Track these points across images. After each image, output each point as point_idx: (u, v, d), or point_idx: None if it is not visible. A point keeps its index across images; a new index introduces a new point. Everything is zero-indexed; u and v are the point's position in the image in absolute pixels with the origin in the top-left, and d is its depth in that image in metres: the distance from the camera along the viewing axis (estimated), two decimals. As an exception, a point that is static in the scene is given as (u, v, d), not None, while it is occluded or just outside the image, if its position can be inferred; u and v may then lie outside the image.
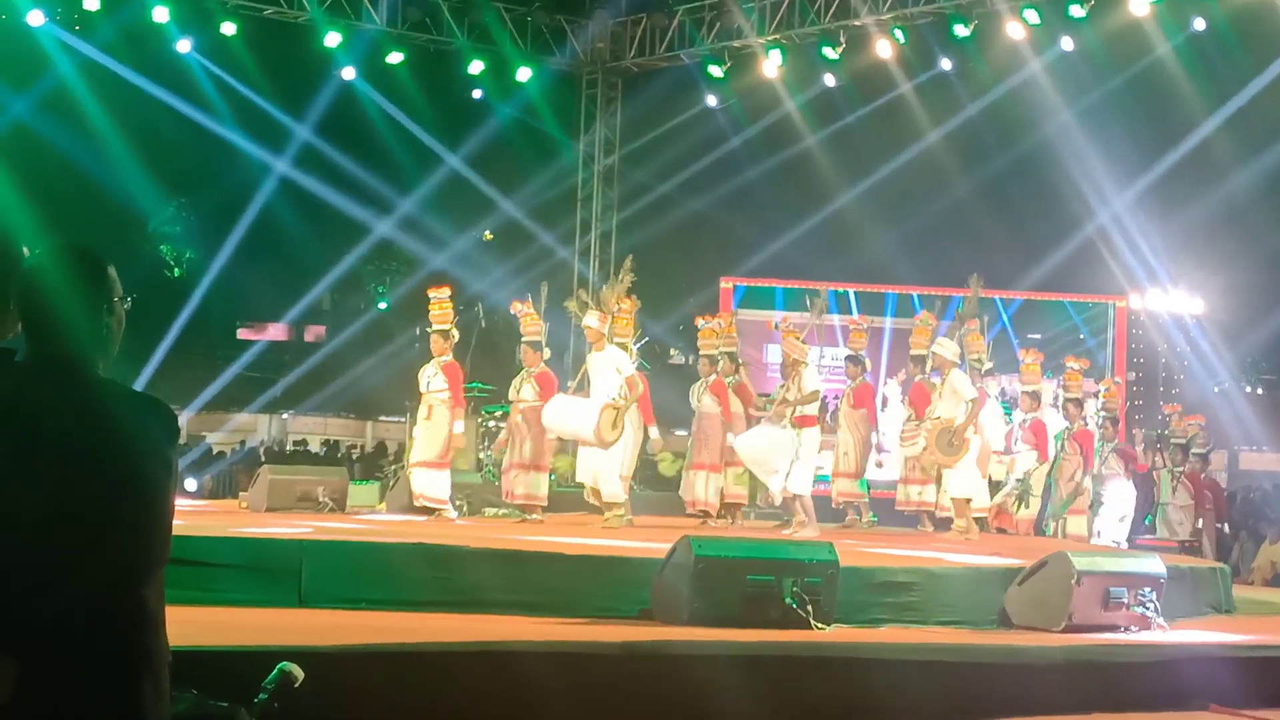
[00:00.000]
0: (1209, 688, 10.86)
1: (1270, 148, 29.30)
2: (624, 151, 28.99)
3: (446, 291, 17.21)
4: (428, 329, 17.17)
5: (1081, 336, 27.37)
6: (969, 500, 17.42)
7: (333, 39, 25.05)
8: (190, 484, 25.52)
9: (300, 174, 31.15)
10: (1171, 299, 41.01)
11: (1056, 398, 20.66)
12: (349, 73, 26.21)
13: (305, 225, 34.58)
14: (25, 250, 4.24)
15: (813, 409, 16.64)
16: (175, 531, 3.97)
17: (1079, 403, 19.21)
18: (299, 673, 5.87)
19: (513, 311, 17.58)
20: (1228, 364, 42.02)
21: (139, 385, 27.83)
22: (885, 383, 22.33)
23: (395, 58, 26.00)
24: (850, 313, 26.89)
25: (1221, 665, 11.21)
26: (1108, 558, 13.20)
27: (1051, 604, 12.13)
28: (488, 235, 37.96)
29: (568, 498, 18.38)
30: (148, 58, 26.67)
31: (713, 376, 17.90)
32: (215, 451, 33.20)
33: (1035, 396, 19.29)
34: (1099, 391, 20.66)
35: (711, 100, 27.91)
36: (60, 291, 3.95)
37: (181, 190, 40.02)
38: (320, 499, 16.66)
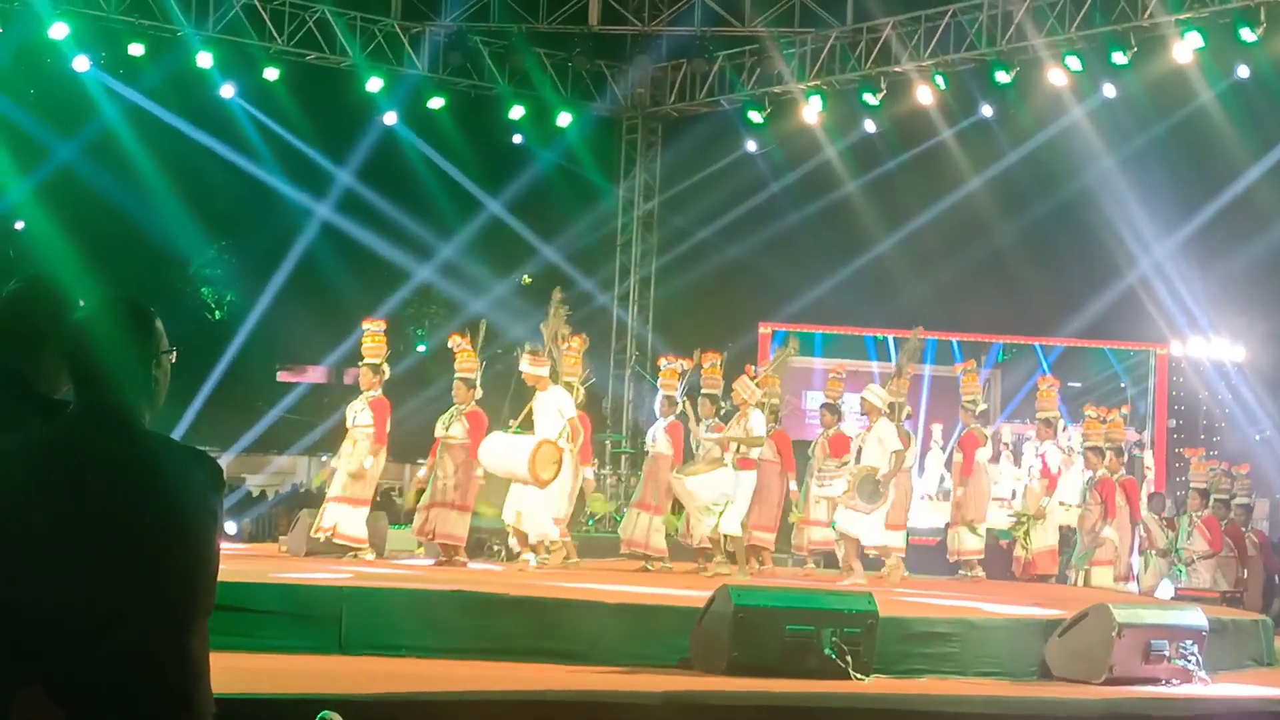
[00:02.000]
0: (1252, 742, 10.79)
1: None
2: (664, 197, 29.09)
3: (381, 325, 17.16)
4: (359, 363, 16.99)
5: (1123, 385, 27.30)
6: (860, 544, 17.29)
7: (374, 84, 25.25)
8: (230, 527, 25.57)
9: (341, 218, 31.24)
10: (1213, 346, 40.80)
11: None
12: (391, 118, 26.36)
13: (346, 269, 34.61)
14: (81, 303, 4.28)
15: (755, 453, 16.64)
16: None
17: (1099, 451, 19.12)
18: (340, 722, 5.89)
19: (449, 345, 17.32)
20: (1269, 411, 41.77)
21: (181, 427, 28.03)
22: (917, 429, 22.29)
23: (436, 103, 26.16)
24: (889, 359, 26.93)
25: None
26: (1149, 610, 13.12)
27: (1092, 656, 12.07)
28: (527, 280, 37.97)
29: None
30: (192, 103, 26.88)
31: (670, 418, 17.82)
32: (255, 494, 33.29)
33: (1049, 424, 19.17)
34: (1140, 441, 20.54)
35: (751, 146, 27.97)
36: (109, 344, 3.98)
37: (223, 234, 40.10)
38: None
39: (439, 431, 16.69)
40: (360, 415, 16.43)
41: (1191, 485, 21.09)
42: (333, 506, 16.28)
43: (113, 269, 29.88)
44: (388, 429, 16.48)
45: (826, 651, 10.92)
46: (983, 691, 11.33)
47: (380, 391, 16.61)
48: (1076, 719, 10.71)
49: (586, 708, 9.18)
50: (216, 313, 43.59)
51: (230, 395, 34.37)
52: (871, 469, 17.06)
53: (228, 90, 25.04)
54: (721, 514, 16.41)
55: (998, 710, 10.62)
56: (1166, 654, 12.13)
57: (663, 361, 18.50)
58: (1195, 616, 12.68)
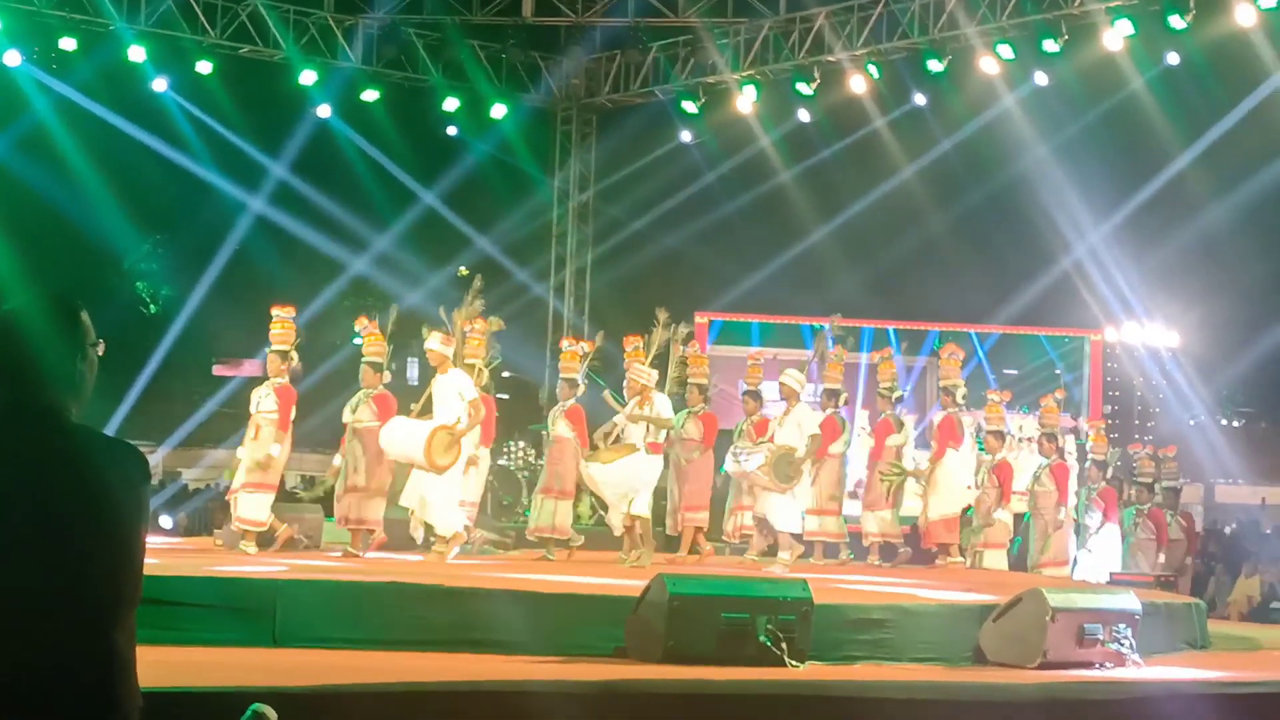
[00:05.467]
0: (1184, 724, 10.86)
1: (1244, 181, 29.44)
2: (599, 187, 29.05)
3: (290, 311, 16.94)
4: (266, 349, 16.81)
5: (1058, 371, 27.42)
6: (795, 533, 17.40)
7: (308, 77, 25.11)
8: (165, 521, 25.42)
9: (276, 211, 31.10)
10: (1147, 332, 41.15)
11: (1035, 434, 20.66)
12: (324, 110, 26.23)
13: (281, 262, 34.52)
14: (4, 299, 4.26)
15: (662, 435, 16.66)
16: (148, 571, 4.01)
17: (1000, 435, 19.29)
18: (272, 714, 5.85)
19: (356, 329, 17.19)
20: (1203, 397, 42.16)
21: (115, 422, 27.83)
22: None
23: (370, 95, 26.06)
24: (828, 347, 26.96)
25: (1198, 702, 11.20)
26: (1082, 594, 13.20)
27: (1026, 641, 12.14)
28: (463, 271, 37.93)
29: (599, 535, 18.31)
30: (124, 97, 26.72)
31: (570, 401, 17.72)
32: (191, 488, 33.09)
33: (949, 392, 19.25)
34: (1076, 428, 20.58)
35: (686, 136, 27.99)
36: (34, 339, 3.97)
37: (157, 228, 39.95)
38: (295, 536, 16.60)
39: (346, 417, 16.40)
40: (264, 401, 16.20)
41: (1137, 480, 21.05)
42: (241, 496, 16.11)
43: (46, 265, 29.74)
44: (292, 416, 16.29)
45: (762, 639, 10.94)
46: (918, 677, 11.38)
47: (287, 379, 16.43)
48: (1011, 703, 10.75)
49: (522, 698, 9.18)
50: (151, 307, 43.40)
51: (165, 389, 34.22)
52: (789, 448, 17.08)
53: (160, 84, 24.89)
54: (632, 500, 16.36)
55: (933, 695, 10.66)
56: (1100, 638, 12.20)
57: (564, 344, 18.35)
58: (1128, 600, 12.77)
